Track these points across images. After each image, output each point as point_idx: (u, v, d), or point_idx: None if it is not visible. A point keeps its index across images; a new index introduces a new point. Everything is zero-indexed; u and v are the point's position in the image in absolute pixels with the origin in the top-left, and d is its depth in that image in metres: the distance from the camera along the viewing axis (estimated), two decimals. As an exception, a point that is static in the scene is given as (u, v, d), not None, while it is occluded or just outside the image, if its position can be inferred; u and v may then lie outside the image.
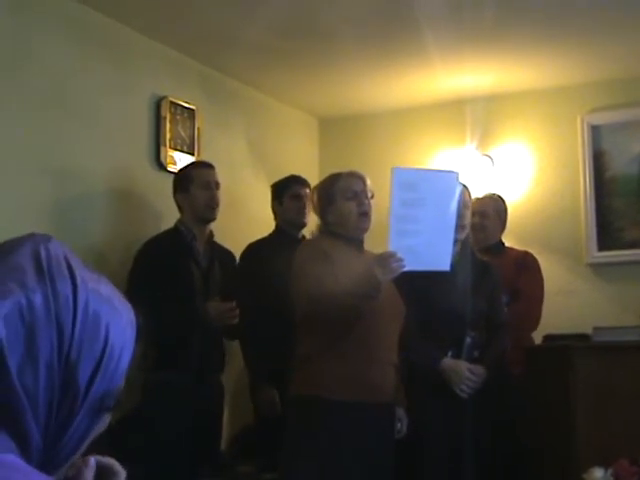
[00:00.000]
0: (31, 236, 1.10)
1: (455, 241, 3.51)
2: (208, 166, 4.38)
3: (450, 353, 3.73)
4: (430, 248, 3.34)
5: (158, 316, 3.88)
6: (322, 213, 3.59)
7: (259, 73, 5.30)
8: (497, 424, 3.73)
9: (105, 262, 4.26)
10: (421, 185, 3.35)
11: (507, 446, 3.86)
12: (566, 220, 5.49)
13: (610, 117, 5.41)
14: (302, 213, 4.56)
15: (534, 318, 4.56)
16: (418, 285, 3.55)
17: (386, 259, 3.18)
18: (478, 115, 5.53)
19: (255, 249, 4.56)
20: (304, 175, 4.81)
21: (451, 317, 3.71)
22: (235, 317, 3.99)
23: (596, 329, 4.23)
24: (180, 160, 4.82)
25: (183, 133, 4.92)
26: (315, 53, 4.94)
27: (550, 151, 5.62)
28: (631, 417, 3.89)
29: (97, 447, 1.15)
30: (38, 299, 1.02)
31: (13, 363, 0.99)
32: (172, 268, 4.11)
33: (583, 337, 4.22)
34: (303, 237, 4.51)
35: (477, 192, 4.98)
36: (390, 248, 3.21)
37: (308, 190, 4.45)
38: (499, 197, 4.91)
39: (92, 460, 1.11)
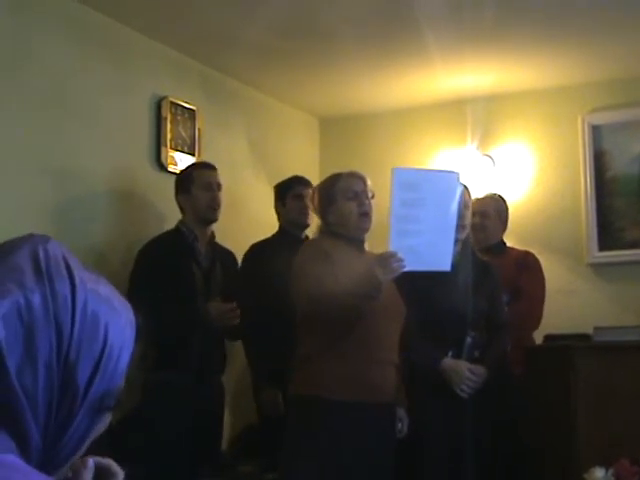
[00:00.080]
0: (30, 237, 1.10)
1: (456, 241, 3.51)
2: (210, 167, 4.38)
3: (450, 353, 3.73)
4: (431, 248, 3.34)
5: (159, 316, 3.88)
6: (323, 213, 3.59)
7: (259, 73, 5.30)
8: (498, 424, 3.73)
9: (106, 262, 4.26)
10: (422, 185, 3.34)
11: (508, 446, 3.85)
12: (567, 220, 5.49)
13: (611, 117, 5.41)
14: (305, 213, 4.56)
15: (535, 318, 4.56)
16: (419, 285, 3.54)
17: (387, 259, 3.18)
18: (479, 115, 5.53)
19: (258, 250, 4.56)
20: (305, 175, 4.81)
21: (452, 317, 3.71)
22: (236, 318, 3.99)
23: (597, 329, 4.22)
24: (181, 160, 4.82)
25: (184, 133, 4.91)
26: (315, 53, 4.94)
27: (551, 151, 5.62)
28: (632, 417, 3.89)
29: (97, 447, 1.15)
30: (37, 299, 1.02)
31: (12, 363, 0.99)
32: (173, 269, 4.11)
33: (584, 337, 4.21)
34: (306, 237, 4.51)
35: (478, 192, 4.98)
36: (391, 248, 3.21)
37: (311, 191, 4.45)
38: (500, 197, 4.90)
39: (90, 461, 1.11)
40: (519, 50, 4.94)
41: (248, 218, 5.29)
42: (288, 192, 4.66)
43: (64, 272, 1.06)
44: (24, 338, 1.01)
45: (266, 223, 4.95)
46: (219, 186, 4.33)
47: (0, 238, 1.12)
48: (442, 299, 3.71)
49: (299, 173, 4.84)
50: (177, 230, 4.27)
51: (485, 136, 5.62)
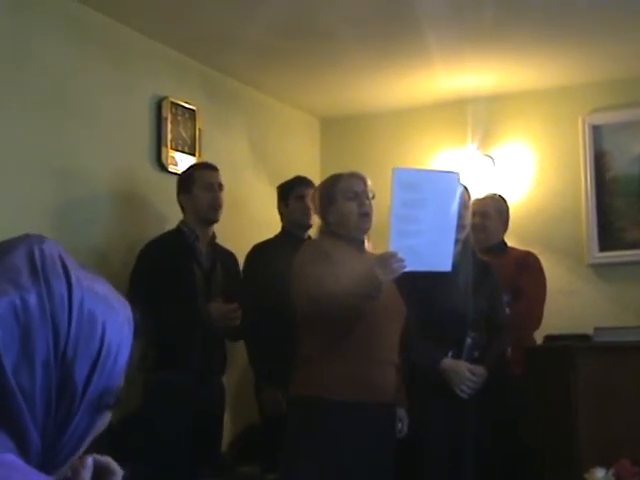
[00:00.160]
0: (25, 237, 1.10)
1: (456, 241, 3.51)
2: (212, 168, 4.38)
3: (450, 353, 3.73)
4: (431, 248, 3.34)
5: (160, 316, 3.88)
6: (323, 214, 3.59)
7: (260, 73, 5.30)
8: (498, 424, 3.73)
9: (107, 263, 4.26)
10: (422, 185, 3.34)
11: (508, 446, 3.86)
12: (567, 220, 5.49)
13: (611, 117, 5.41)
14: (307, 214, 4.56)
15: (536, 318, 4.55)
16: (419, 285, 3.54)
17: (387, 259, 3.17)
18: (479, 115, 5.53)
19: (261, 250, 4.57)
20: (305, 176, 4.81)
21: (452, 317, 3.71)
22: (237, 318, 4.00)
23: (597, 329, 4.22)
24: (181, 161, 4.82)
25: (184, 134, 4.91)
26: (316, 53, 4.94)
27: (551, 151, 5.62)
28: (632, 417, 3.89)
29: (98, 447, 1.15)
30: (33, 299, 1.02)
31: (8, 362, 0.99)
32: (174, 269, 4.11)
33: (584, 337, 4.21)
34: (309, 238, 4.51)
35: (478, 192, 4.98)
36: (391, 248, 3.21)
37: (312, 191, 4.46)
38: (500, 197, 4.90)
39: (89, 460, 1.11)
40: (519, 50, 4.94)
41: (248, 218, 5.29)
42: (291, 193, 4.66)
43: (60, 271, 1.06)
44: (20, 338, 1.01)
45: (266, 223, 4.94)
46: (221, 186, 4.33)
47: (2, 240, 1.12)
48: (442, 299, 3.71)
49: (300, 173, 4.84)
50: (178, 230, 4.27)
51: (485, 136, 5.62)
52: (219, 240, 4.39)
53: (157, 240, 4.23)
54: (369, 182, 3.55)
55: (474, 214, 4.41)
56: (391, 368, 3.41)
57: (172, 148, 4.81)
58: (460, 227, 3.61)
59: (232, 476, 4.34)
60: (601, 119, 5.44)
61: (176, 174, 4.63)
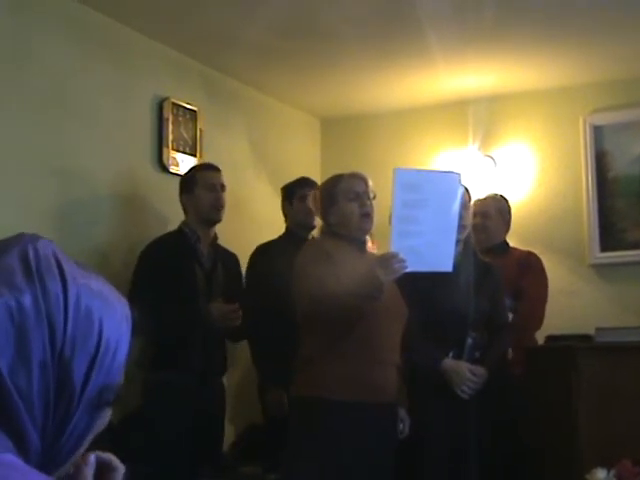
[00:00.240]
0: (19, 236, 1.09)
1: (457, 241, 3.50)
2: (213, 168, 4.39)
3: (451, 354, 3.72)
4: (432, 249, 3.33)
5: (161, 317, 3.88)
6: (324, 214, 3.58)
7: (260, 73, 5.30)
8: (498, 424, 3.73)
9: (108, 263, 4.26)
10: (423, 186, 3.34)
11: (508, 446, 3.85)
12: (568, 221, 5.49)
13: (612, 117, 5.41)
14: (311, 215, 4.56)
15: (537, 318, 4.55)
16: (420, 286, 3.54)
17: (388, 260, 3.17)
18: (480, 116, 5.53)
19: (265, 250, 4.57)
20: (306, 176, 4.81)
21: (454, 318, 3.70)
22: (238, 319, 4.00)
23: (598, 330, 4.22)
24: (182, 161, 4.82)
25: (185, 134, 4.91)
26: (316, 53, 4.94)
27: (552, 152, 5.62)
28: (634, 418, 3.88)
29: (98, 447, 1.14)
30: (27, 300, 1.02)
31: (4, 364, 0.99)
32: (175, 269, 4.12)
33: (585, 338, 4.21)
34: (312, 238, 4.51)
35: (479, 193, 4.98)
36: (392, 249, 3.20)
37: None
38: (502, 197, 4.90)
39: (92, 457, 1.11)
40: (520, 51, 4.94)
41: (249, 218, 5.29)
42: (295, 194, 4.66)
43: (55, 270, 1.06)
44: (16, 339, 1.01)
45: (267, 223, 4.94)
46: (222, 187, 4.33)
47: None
48: (443, 300, 3.71)
49: (300, 173, 4.84)
50: (180, 231, 4.27)
51: (487, 137, 5.62)
52: (220, 240, 4.39)
53: (158, 240, 4.23)
54: (370, 182, 3.55)
55: (475, 214, 4.41)
56: (392, 368, 3.41)
57: (173, 149, 4.81)
58: (460, 227, 3.61)
59: (233, 476, 4.34)
60: (602, 119, 5.44)
61: (177, 175, 4.63)
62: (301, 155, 6.00)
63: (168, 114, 4.78)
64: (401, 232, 3.25)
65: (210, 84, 5.18)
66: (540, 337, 4.53)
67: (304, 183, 4.69)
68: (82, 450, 1.10)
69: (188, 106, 4.93)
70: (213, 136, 5.13)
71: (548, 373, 4.11)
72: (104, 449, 1.14)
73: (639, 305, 5.11)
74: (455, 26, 4.43)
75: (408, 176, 3.38)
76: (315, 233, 4.45)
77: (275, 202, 4.82)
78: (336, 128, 6.24)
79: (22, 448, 1.01)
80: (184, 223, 4.29)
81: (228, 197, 4.41)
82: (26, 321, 1.01)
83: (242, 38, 4.59)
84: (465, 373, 3.67)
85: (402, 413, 3.54)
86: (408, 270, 3.20)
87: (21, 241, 1.08)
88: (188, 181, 4.33)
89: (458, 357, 3.72)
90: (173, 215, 4.42)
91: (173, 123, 4.81)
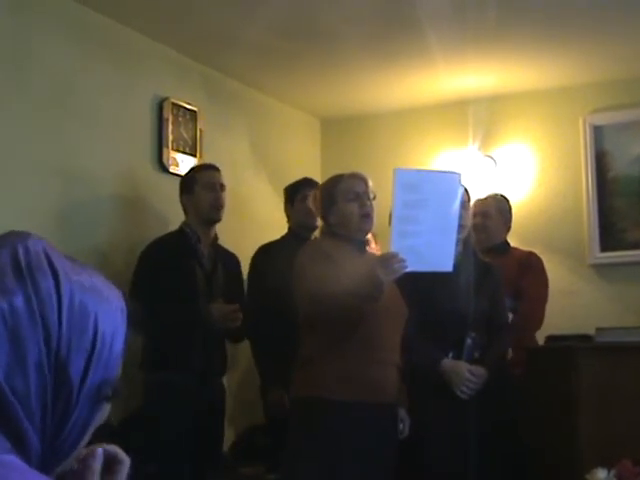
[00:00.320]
0: (9, 235, 1.09)
1: (457, 241, 3.50)
2: (213, 168, 4.39)
3: (451, 354, 3.72)
4: (432, 249, 3.33)
5: (161, 317, 3.88)
6: (324, 214, 3.58)
7: (261, 74, 5.30)
8: (498, 424, 3.72)
9: (109, 263, 4.26)
10: (423, 186, 3.34)
11: (509, 446, 3.85)
12: (568, 221, 5.49)
13: (612, 117, 5.41)
14: (313, 215, 4.55)
15: (537, 318, 4.55)
16: (421, 286, 3.54)
17: (388, 260, 3.17)
18: (480, 116, 5.53)
19: (267, 251, 4.57)
20: (306, 176, 4.81)
21: (453, 318, 3.70)
22: (238, 319, 4.00)
23: (599, 330, 4.22)
24: (182, 162, 4.82)
25: (185, 134, 4.92)
26: (317, 54, 4.94)
27: (552, 152, 5.62)
28: (634, 418, 3.88)
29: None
30: (19, 301, 1.01)
31: None
32: (176, 269, 4.12)
33: (586, 338, 4.20)
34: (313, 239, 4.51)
35: (479, 193, 4.98)
36: (392, 249, 3.20)
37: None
38: (502, 197, 4.89)
39: (99, 451, 1.11)
40: (520, 51, 4.94)
41: (249, 218, 5.29)
42: (297, 194, 4.67)
43: (46, 268, 1.05)
44: (10, 342, 1.00)
45: (267, 223, 4.94)
46: (222, 187, 4.34)
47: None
48: (443, 300, 3.70)
49: (300, 174, 4.84)
50: (180, 231, 4.28)
51: (487, 137, 5.62)
52: (220, 240, 4.39)
53: (159, 241, 4.23)
54: (370, 183, 3.54)
55: (475, 214, 4.41)
56: (392, 368, 3.41)
57: (173, 149, 4.81)
58: (459, 227, 3.61)
59: (234, 476, 4.34)
60: (602, 119, 5.44)
61: (177, 175, 4.64)
62: (301, 155, 6.00)
63: (168, 114, 4.78)
64: (401, 232, 3.25)
65: (210, 84, 5.18)
66: (540, 337, 4.53)
67: (306, 184, 4.69)
68: (83, 444, 1.10)
69: (188, 106, 4.94)
70: (213, 136, 5.13)
71: (548, 373, 4.11)
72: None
73: (639, 305, 5.11)
74: (455, 26, 4.43)
75: (408, 176, 3.37)
76: (317, 234, 4.45)
77: (275, 202, 4.82)
78: (336, 128, 6.24)
79: (21, 449, 1.01)
80: (185, 223, 4.29)
81: (228, 197, 4.41)
82: (19, 323, 1.01)
83: (242, 38, 4.59)
84: (464, 373, 3.67)
85: (402, 413, 3.54)
86: (408, 270, 3.19)
87: (10, 240, 1.07)
88: (188, 181, 4.33)
89: (457, 357, 3.72)
90: (173, 215, 4.42)
91: (173, 123, 4.81)
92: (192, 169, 4.51)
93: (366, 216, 3.48)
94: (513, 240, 4.91)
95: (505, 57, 5.03)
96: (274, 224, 4.78)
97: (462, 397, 3.66)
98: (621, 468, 3.50)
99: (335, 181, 3.57)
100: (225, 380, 4.36)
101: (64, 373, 1.03)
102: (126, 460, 1.15)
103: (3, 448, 0.99)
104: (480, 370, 3.70)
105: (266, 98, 5.70)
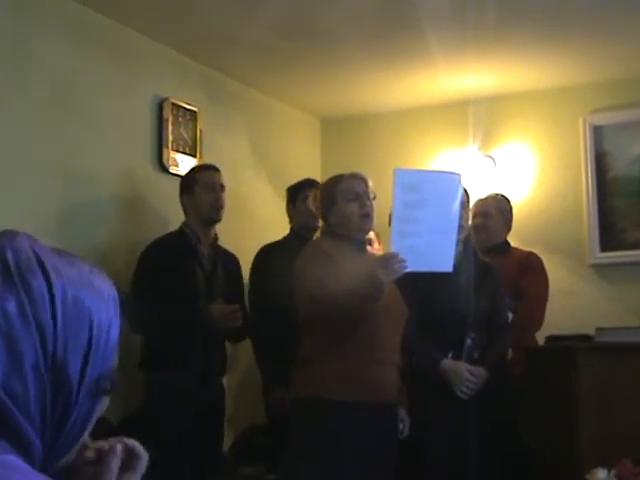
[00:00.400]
0: None
1: (457, 241, 3.50)
2: (213, 168, 4.39)
3: (450, 354, 3.72)
4: (433, 249, 3.33)
5: (161, 317, 3.88)
6: (324, 214, 3.58)
7: (261, 74, 5.30)
8: (498, 424, 3.73)
9: (109, 264, 4.25)
10: (423, 186, 3.34)
11: (509, 446, 3.85)
12: (568, 221, 5.49)
13: (612, 118, 5.41)
14: (314, 216, 4.55)
15: (538, 319, 4.55)
16: (421, 286, 3.54)
17: (388, 260, 3.17)
18: (480, 116, 5.53)
19: (269, 251, 4.57)
20: (305, 176, 4.81)
21: (453, 318, 3.70)
22: (238, 319, 4.00)
23: (599, 330, 4.22)
24: (182, 162, 4.82)
25: (185, 135, 4.91)
26: (317, 54, 4.94)
27: (552, 152, 5.62)
28: (634, 418, 3.88)
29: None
30: (11, 306, 1.00)
31: None
32: (176, 270, 4.12)
33: (586, 338, 4.21)
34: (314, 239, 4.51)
35: (480, 193, 4.98)
36: (392, 249, 3.20)
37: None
38: (503, 197, 4.89)
39: (119, 447, 1.10)
40: (520, 51, 4.94)
41: (249, 219, 5.29)
42: (299, 195, 4.66)
43: (36, 268, 1.04)
44: (5, 347, 0.99)
45: (267, 224, 4.94)
46: (222, 187, 4.34)
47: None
48: (443, 300, 3.71)
49: (300, 174, 4.84)
50: (180, 231, 4.28)
51: (487, 137, 5.62)
52: (220, 240, 4.39)
53: (159, 241, 4.23)
54: (370, 183, 3.54)
55: (476, 214, 4.41)
56: (392, 368, 3.41)
57: (173, 149, 4.81)
58: (459, 227, 3.61)
59: (234, 476, 4.34)
60: (602, 119, 5.44)
61: (177, 175, 4.64)
62: (301, 155, 6.00)
63: (168, 114, 4.78)
64: (401, 232, 3.25)
65: (210, 84, 5.18)
66: (540, 337, 4.53)
67: (308, 184, 4.68)
68: (83, 439, 1.09)
69: (188, 106, 4.94)
70: (213, 136, 5.13)
71: (548, 373, 4.11)
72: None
73: (639, 305, 5.11)
74: (455, 26, 4.43)
75: (408, 176, 3.37)
76: (317, 234, 4.45)
77: (275, 202, 4.82)
78: (336, 128, 6.24)
79: (24, 451, 1.01)
80: (185, 224, 4.29)
81: (228, 197, 4.41)
82: (13, 327, 1.00)
83: (242, 38, 4.58)
84: (464, 374, 3.67)
85: (402, 413, 3.54)
86: (408, 270, 3.19)
87: None
88: (188, 181, 4.34)
89: (457, 357, 3.72)
90: (173, 215, 4.42)
91: (173, 123, 4.81)
92: (192, 169, 4.51)
93: (366, 216, 3.48)
94: (513, 240, 4.91)
95: (505, 57, 5.03)
96: (274, 224, 4.78)
97: (462, 397, 3.66)
98: (621, 468, 3.50)
99: (335, 181, 3.57)
100: (225, 380, 4.36)
101: (62, 374, 1.03)
102: (144, 455, 1.15)
103: (5, 449, 0.99)
104: (480, 370, 3.70)
105: (266, 98, 5.70)
